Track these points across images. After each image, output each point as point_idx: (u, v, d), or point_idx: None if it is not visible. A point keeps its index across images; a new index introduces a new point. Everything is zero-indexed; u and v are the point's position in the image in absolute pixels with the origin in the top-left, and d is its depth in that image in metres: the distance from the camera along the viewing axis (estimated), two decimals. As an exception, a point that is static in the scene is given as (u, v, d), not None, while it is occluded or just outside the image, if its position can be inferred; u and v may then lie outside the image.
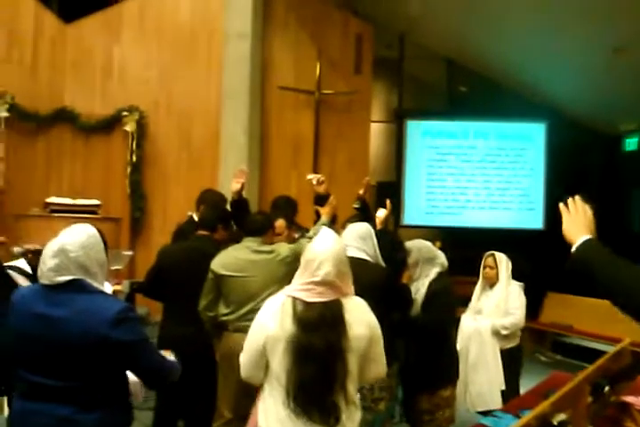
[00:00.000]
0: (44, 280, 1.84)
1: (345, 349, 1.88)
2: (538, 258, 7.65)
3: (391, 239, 3.13)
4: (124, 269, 4.84)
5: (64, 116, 6.34)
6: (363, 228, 2.81)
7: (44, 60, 6.36)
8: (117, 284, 4.50)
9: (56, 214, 5.68)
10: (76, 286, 1.83)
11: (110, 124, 6.43)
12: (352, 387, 1.93)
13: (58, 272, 1.81)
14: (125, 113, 6.35)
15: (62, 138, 6.41)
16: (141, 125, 6.41)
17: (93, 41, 6.52)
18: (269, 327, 1.92)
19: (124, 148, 6.42)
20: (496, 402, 3.56)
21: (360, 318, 1.96)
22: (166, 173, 6.48)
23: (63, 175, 6.43)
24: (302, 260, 2.02)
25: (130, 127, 6.38)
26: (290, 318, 1.90)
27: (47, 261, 1.82)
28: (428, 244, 3.15)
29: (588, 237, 1.61)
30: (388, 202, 3.51)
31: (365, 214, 3.55)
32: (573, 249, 1.59)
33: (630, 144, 9.05)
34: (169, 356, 2.06)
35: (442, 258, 3.11)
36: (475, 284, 4.04)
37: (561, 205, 1.74)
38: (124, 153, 6.42)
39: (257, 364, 1.98)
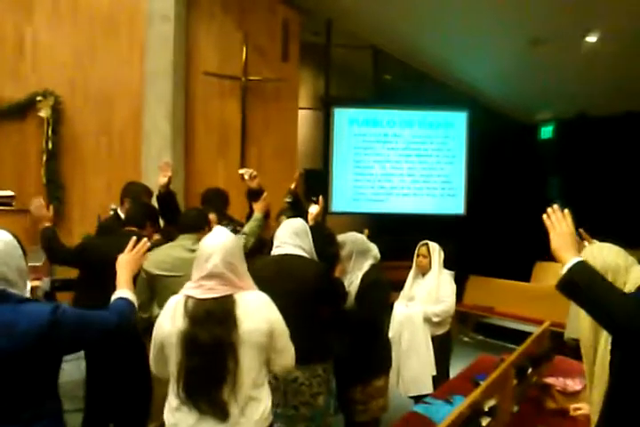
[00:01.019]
0: None
1: (234, 343, 1.94)
2: (459, 242, 7.92)
3: (323, 234, 3.12)
4: (42, 265, 4.60)
5: (-29, 101, 5.90)
6: (298, 224, 2.79)
7: (-53, 39, 5.88)
8: (36, 279, 4.28)
9: (-34, 207, 5.33)
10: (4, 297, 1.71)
11: (23, 110, 6.02)
12: (249, 381, 1.98)
13: None
14: (40, 98, 5.97)
15: (-30, 124, 5.98)
16: (57, 111, 6.04)
17: (3, 20, 6.07)
18: (164, 325, 2.04)
19: (38, 134, 6.04)
20: (428, 387, 3.68)
21: (256, 313, 2.01)
22: (85, 161, 6.18)
23: (-28, 164, 6.01)
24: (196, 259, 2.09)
25: (44, 113, 6.00)
26: (181, 316, 2.00)
27: None
28: (362, 236, 3.17)
29: (578, 259, 1.67)
30: (320, 198, 3.52)
31: (298, 208, 3.53)
32: (565, 270, 1.66)
33: (545, 132, 9.49)
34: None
35: (375, 250, 3.15)
36: (400, 268, 4.15)
37: (544, 217, 1.78)
38: (38, 140, 6.04)
39: (159, 359, 2.09)
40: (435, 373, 3.73)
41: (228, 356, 1.94)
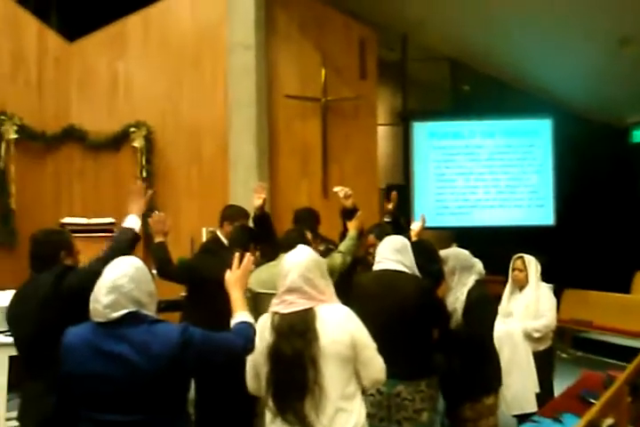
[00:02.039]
0: (98, 318, 1.83)
1: (315, 355, 2.00)
2: (551, 254, 7.63)
3: (426, 250, 3.11)
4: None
5: (72, 135, 6.31)
6: (398, 241, 2.81)
7: (49, 79, 6.34)
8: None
9: (73, 235, 5.66)
10: (132, 319, 1.83)
11: (118, 141, 6.41)
12: (335, 393, 2.01)
13: (112, 308, 1.81)
14: (133, 129, 6.33)
15: (71, 157, 6.40)
16: (149, 140, 6.38)
17: (97, 58, 6.51)
18: (256, 343, 2.10)
19: (133, 164, 6.40)
20: (531, 405, 3.56)
21: (336, 325, 2.06)
22: (177, 187, 6.46)
23: (74, 194, 6.41)
24: None
25: (138, 143, 6.36)
26: (269, 331, 2.11)
27: (101, 298, 1.82)
28: (466, 252, 3.13)
29: None
30: (422, 216, 3.55)
31: (396, 226, 3.56)
32: None
33: (638, 136, 9.04)
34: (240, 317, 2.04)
35: (479, 265, 3.10)
36: (491, 282, 4.04)
37: None
38: (133, 169, 6.40)
39: (253, 376, 2.20)
40: (538, 390, 3.61)
41: (308, 368, 2.00)
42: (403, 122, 7.91)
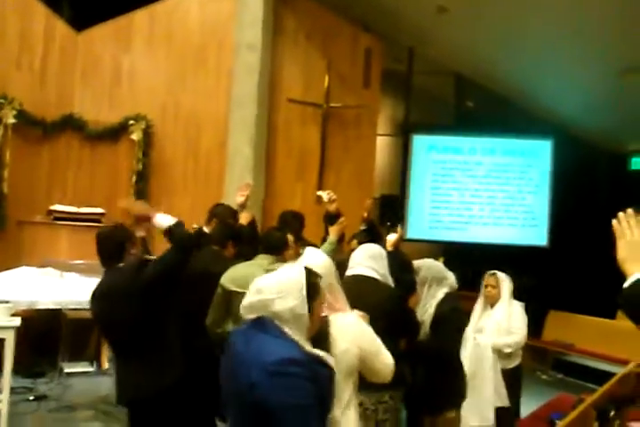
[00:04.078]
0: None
1: None
2: (540, 275, 7.62)
3: (401, 260, 3.10)
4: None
5: (71, 124, 6.34)
6: (374, 248, 2.80)
7: (54, 67, 6.37)
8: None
9: (60, 222, 5.67)
10: (259, 324, 1.74)
11: (117, 133, 6.43)
12: (337, 402, 1.93)
13: (248, 310, 1.78)
14: (132, 121, 6.35)
15: (68, 145, 6.41)
16: (148, 134, 6.41)
17: (103, 49, 6.55)
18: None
19: (130, 156, 6.42)
20: (489, 419, 3.53)
21: (348, 335, 1.99)
22: (172, 183, 6.47)
23: (68, 183, 6.42)
24: None
25: (136, 136, 6.37)
26: None
27: (247, 297, 1.81)
28: (438, 263, 3.13)
29: None
30: (399, 228, 3.54)
31: (372, 234, 3.55)
32: (626, 285, 1.48)
33: (636, 163, 9.05)
34: None
35: (451, 279, 3.09)
36: (477, 299, 4.03)
37: (614, 222, 1.56)
38: (129, 161, 6.42)
39: None
40: (498, 404, 3.59)
41: None
42: (403, 133, 7.91)
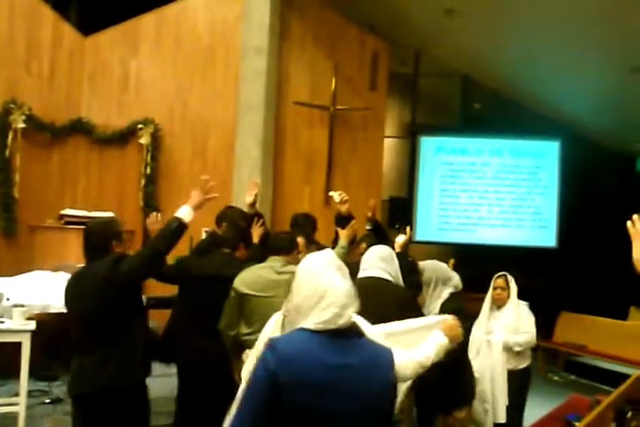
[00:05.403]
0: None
1: None
2: (550, 277, 7.59)
3: (409, 262, 3.11)
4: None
5: (80, 128, 6.35)
6: (385, 250, 2.80)
7: (62, 71, 6.40)
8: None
9: (70, 226, 5.68)
10: (355, 330, 1.70)
11: (125, 137, 6.45)
12: None
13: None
14: (141, 125, 6.37)
15: (78, 149, 6.42)
16: (156, 138, 6.42)
17: (111, 53, 6.57)
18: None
19: (138, 160, 6.43)
20: (502, 417, 3.52)
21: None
22: (180, 186, 6.46)
23: (78, 187, 6.44)
24: None
25: (144, 140, 6.39)
26: (280, 331, 1.99)
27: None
28: (443, 264, 3.15)
29: None
30: (408, 229, 3.52)
31: (379, 235, 3.54)
32: None
33: (644, 164, 9.05)
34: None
35: (456, 279, 3.11)
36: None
37: (628, 224, 1.60)
38: (138, 165, 6.43)
39: None
40: (507, 403, 3.58)
41: None
42: (411, 135, 7.91)
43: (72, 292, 2.63)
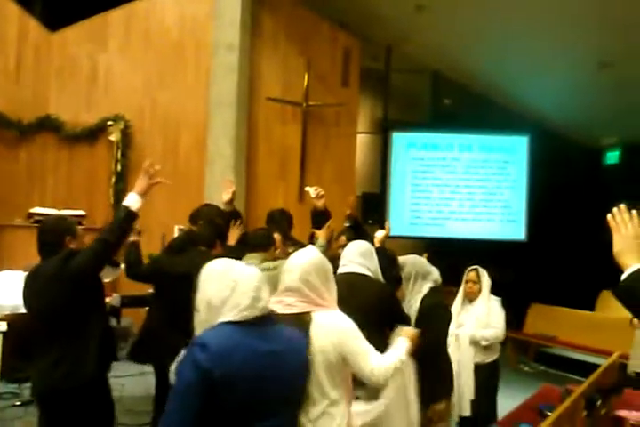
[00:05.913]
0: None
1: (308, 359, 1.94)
2: (520, 269, 7.72)
3: (386, 256, 3.13)
4: (110, 282, 4.76)
5: (48, 125, 6.24)
6: (364, 245, 2.81)
7: (28, 67, 6.26)
8: (106, 296, 4.43)
9: (40, 225, 5.57)
10: (271, 317, 1.82)
11: (95, 133, 6.35)
12: (323, 397, 1.96)
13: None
14: (110, 122, 6.28)
15: (46, 147, 6.31)
16: (126, 135, 6.34)
17: (79, 49, 6.45)
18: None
19: (108, 157, 6.34)
20: (467, 409, 3.59)
21: (329, 332, 1.99)
22: (152, 183, 6.40)
23: (47, 185, 6.32)
24: None
25: (114, 136, 6.30)
26: None
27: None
28: (422, 259, 3.16)
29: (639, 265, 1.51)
30: (387, 225, 3.55)
31: (358, 232, 3.56)
32: (624, 277, 1.50)
33: (611, 157, 9.22)
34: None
35: (435, 274, 3.13)
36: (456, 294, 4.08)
37: (609, 217, 1.61)
38: (108, 162, 6.34)
39: None
40: (472, 397, 3.64)
41: None
42: (383, 131, 7.96)
43: (27, 290, 2.59)
